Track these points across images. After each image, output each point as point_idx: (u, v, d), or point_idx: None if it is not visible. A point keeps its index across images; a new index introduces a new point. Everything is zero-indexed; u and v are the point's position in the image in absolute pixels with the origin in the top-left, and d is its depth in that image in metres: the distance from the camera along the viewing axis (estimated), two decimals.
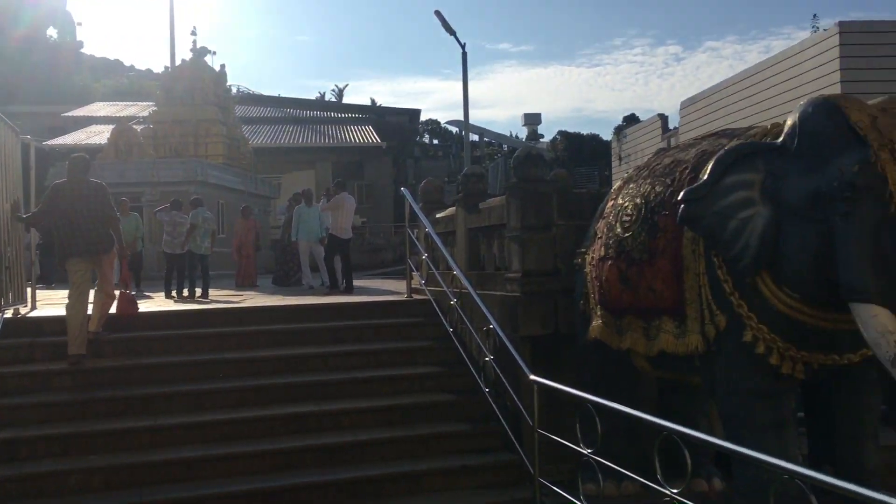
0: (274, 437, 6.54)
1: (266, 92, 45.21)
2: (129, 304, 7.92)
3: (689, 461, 3.93)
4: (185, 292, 11.70)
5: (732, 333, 4.51)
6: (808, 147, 4.11)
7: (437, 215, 9.17)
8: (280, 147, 32.99)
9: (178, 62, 26.67)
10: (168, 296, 11.59)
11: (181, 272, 11.86)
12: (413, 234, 9.35)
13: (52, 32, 54.49)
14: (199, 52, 25.77)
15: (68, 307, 6.92)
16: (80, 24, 56.39)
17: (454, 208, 8.63)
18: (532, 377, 5.64)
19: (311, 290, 12.41)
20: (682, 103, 22.08)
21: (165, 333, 7.67)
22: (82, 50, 57.98)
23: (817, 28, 23.36)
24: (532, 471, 5.71)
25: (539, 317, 6.70)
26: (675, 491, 4.04)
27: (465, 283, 7.15)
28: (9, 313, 7.42)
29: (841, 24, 15.46)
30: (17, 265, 7.70)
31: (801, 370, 4.41)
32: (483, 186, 8.24)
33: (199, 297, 11.44)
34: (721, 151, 4.53)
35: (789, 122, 4.31)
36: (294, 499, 5.94)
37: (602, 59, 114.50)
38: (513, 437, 6.32)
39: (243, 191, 23.92)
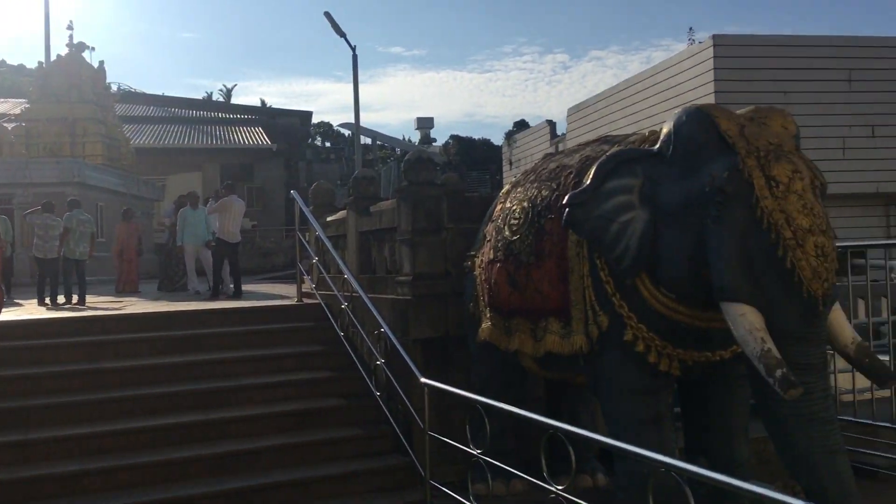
0: (157, 448, 6.30)
1: (150, 90, 43.60)
2: None
3: (573, 458, 4.04)
4: (61, 299, 11.11)
5: (614, 333, 4.67)
6: (682, 154, 4.31)
7: (328, 218, 9.08)
8: (164, 148, 31.87)
9: (53, 57, 25.32)
10: (41, 303, 10.98)
11: (54, 278, 11.24)
12: (304, 237, 9.23)
13: None
14: (77, 48, 24.57)
15: None
16: None
17: (345, 212, 8.57)
18: (423, 380, 5.66)
19: (197, 296, 12.04)
20: (569, 110, 22.74)
21: (38, 343, 7.26)
22: None
23: (693, 41, 24.53)
24: (423, 473, 5.73)
25: (430, 319, 6.73)
26: (560, 487, 4.15)
27: (355, 286, 7.11)
28: None
29: (715, 37, 16.31)
30: None
31: (678, 367, 4.61)
32: (374, 190, 8.22)
33: (75, 304, 10.90)
34: (603, 157, 4.69)
35: (665, 130, 4.50)
36: None
37: (493, 65, 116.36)
38: (404, 441, 6.33)
39: (125, 193, 22.94)
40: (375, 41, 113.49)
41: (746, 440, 4.91)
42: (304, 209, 8.72)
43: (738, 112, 4.37)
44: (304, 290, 9.23)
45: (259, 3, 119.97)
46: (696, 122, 4.28)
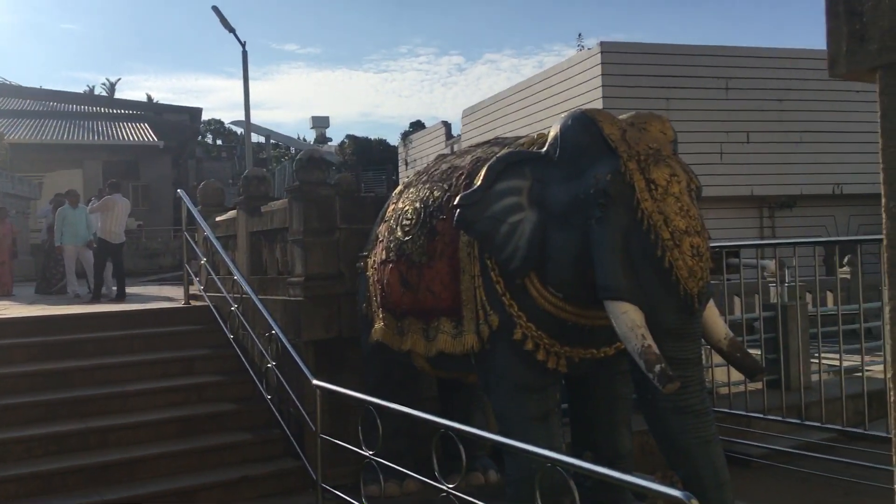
0: (32, 459, 5.99)
1: (26, 83, 41.25)
2: None
3: (464, 456, 4.09)
4: None
5: (504, 332, 4.75)
6: (568, 157, 4.43)
7: (218, 219, 8.85)
8: (42, 143, 30.17)
9: None
10: None
11: None
12: (192, 238, 8.95)
13: None
14: None
15: None
16: None
17: (235, 211, 8.37)
18: (314, 382, 5.61)
19: (77, 299, 11.48)
20: (464, 111, 23.01)
21: None
22: None
23: (582, 47, 25.25)
24: (315, 476, 5.67)
25: (322, 321, 6.66)
26: (451, 486, 4.19)
27: (245, 288, 6.96)
28: None
29: (603, 44, 16.88)
30: None
31: (564, 364, 4.73)
32: (265, 189, 8.06)
33: None
34: (493, 159, 4.76)
35: (552, 133, 4.62)
36: None
37: (389, 65, 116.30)
38: (295, 444, 6.25)
39: None
40: (268, 38, 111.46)
41: (629, 433, 5.10)
42: (192, 209, 8.46)
43: (620, 117, 4.53)
44: (192, 291, 8.95)
45: None
46: (581, 126, 4.41)
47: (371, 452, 5.02)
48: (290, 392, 6.19)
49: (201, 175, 36.29)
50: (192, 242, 8.81)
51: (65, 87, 57.90)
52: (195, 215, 8.37)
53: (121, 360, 7.27)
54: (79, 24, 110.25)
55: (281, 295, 7.07)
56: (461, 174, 5.25)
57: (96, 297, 11.18)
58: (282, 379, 6.33)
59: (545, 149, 4.64)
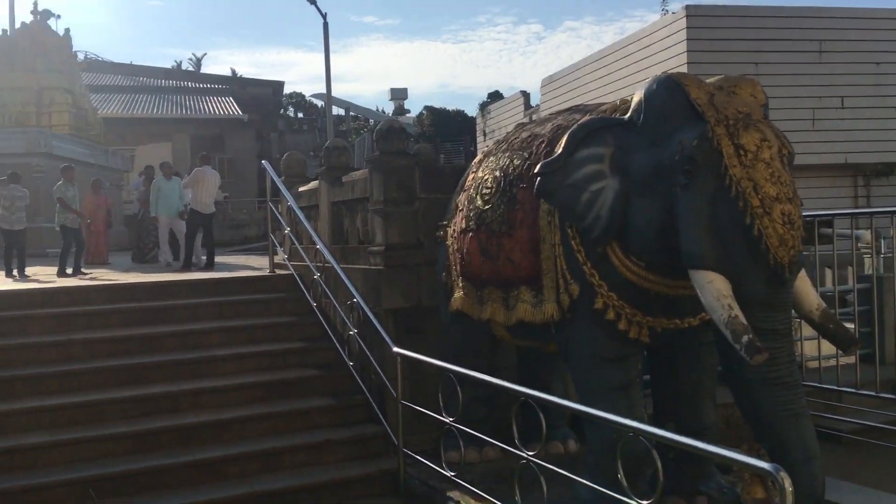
0: (127, 419, 6.28)
1: (117, 59, 42.71)
2: None
3: (543, 424, 4.09)
4: (30, 271, 10.93)
5: (585, 301, 4.70)
6: (652, 122, 4.31)
7: (301, 189, 9.01)
8: (133, 118, 31.32)
9: (17, 25, 24.68)
10: (9, 275, 10.80)
11: (21, 250, 11.05)
12: (276, 208, 9.14)
13: None
14: (42, 15, 23.93)
15: None
16: None
17: (317, 182, 8.50)
18: (395, 349, 5.69)
19: (169, 267, 11.93)
20: (543, 81, 22.68)
21: (6, 315, 7.16)
22: None
23: (666, 11, 24.43)
24: (396, 442, 5.77)
25: (402, 289, 6.73)
26: (531, 454, 4.20)
27: (328, 257, 7.08)
28: None
29: (688, 7, 16.29)
30: None
31: (647, 334, 4.65)
32: (346, 159, 8.15)
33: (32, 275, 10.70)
34: (574, 126, 4.68)
35: (636, 99, 4.50)
36: (150, 482, 5.74)
37: (467, 35, 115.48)
38: (377, 410, 6.36)
39: (93, 164, 22.52)
40: (348, 10, 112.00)
41: (713, 406, 4.99)
42: (276, 180, 8.64)
43: (707, 81, 4.37)
44: (276, 261, 9.18)
45: None
46: (667, 90, 4.28)
47: (451, 419, 5.08)
48: (372, 359, 6.30)
49: (284, 147, 37.00)
50: (276, 213, 9.01)
51: (153, 63, 59.56)
52: (279, 186, 8.55)
53: (210, 325, 7.53)
54: (166, 1, 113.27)
55: (362, 264, 7.17)
56: (542, 142, 5.18)
57: (187, 266, 11.59)
58: (363, 346, 6.44)
59: (628, 115, 4.53)
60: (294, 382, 6.97)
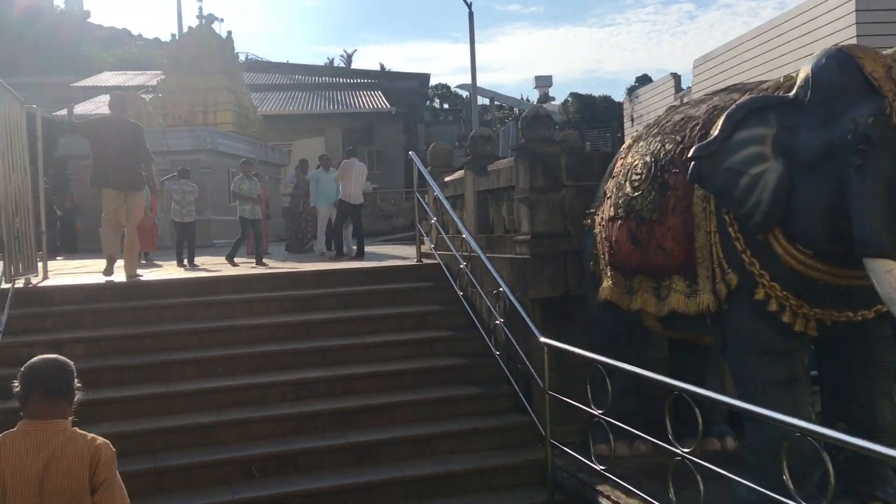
0: (285, 402, 6.57)
1: (274, 59, 44.95)
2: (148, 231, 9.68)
3: (700, 420, 3.90)
4: (199, 261, 11.69)
5: (744, 291, 4.45)
6: (821, 99, 4.00)
7: (446, 179, 9.09)
8: (289, 114, 32.85)
9: (184, 30, 26.47)
10: (179, 264, 11.60)
11: (191, 240, 11.85)
12: (423, 198, 9.28)
13: (58, 2, 54.27)
14: (207, 20, 25.54)
15: (102, 232, 8.06)
16: None
17: (463, 171, 8.55)
18: (542, 339, 5.63)
19: (323, 257, 12.41)
20: (695, 62, 21.76)
21: (176, 301, 7.68)
22: (89, 20, 57.69)
23: None
24: (543, 432, 5.72)
25: (548, 279, 6.65)
26: (686, 450, 4.03)
27: (474, 246, 7.10)
28: (19, 283, 7.44)
29: None
30: (26, 235, 7.70)
31: (814, 327, 4.34)
32: (491, 148, 8.13)
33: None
34: (732, 106, 4.43)
35: (802, 75, 4.20)
36: (307, 462, 5.98)
37: (614, 18, 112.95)
38: (524, 400, 6.33)
39: (253, 158, 23.80)
40: (492, 0, 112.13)
41: (890, 405, 4.59)
42: (423, 170, 8.76)
43: (884, 52, 4.01)
44: (423, 250, 9.32)
45: None
46: (838, 64, 3.96)
47: (600, 412, 4.96)
48: (518, 349, 6.26)
49: (430, 138, 37.62)
50: (422, 203, 9.14)
51: (308, 61, 62.25)
52: (425, 176, 8.67)
53: (361, 313, 7.75)
54: (318, 1, 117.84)
55: (508, 253, 7.15)
56: (696, 124, 4.94)
57: (339, 255, 12.01)
58: (509, 335, 6.42)
59: (793, 92, 4.23)
60: (441, 370, 7.06)
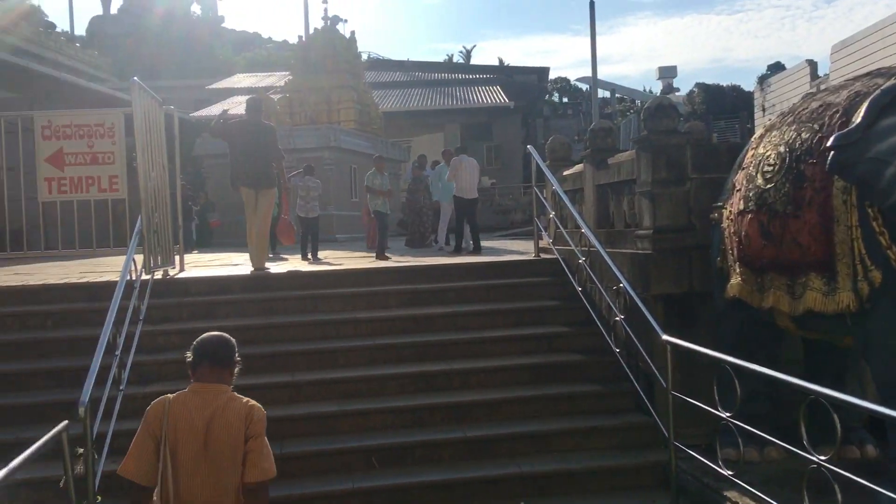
0: (405, 394, 6.66)
1: (395, 57, 45.76)
2: (287, 229, 10.51)
3: (838, 426, 3.65)
4: (322, 255, 12.04)
5: (889, 290, 4.13)
6: None
7: (565, 173, 8.96)
8: (409, 111, 33.33)
9: (311, 31, 27.33)
10: (304, 258, 11.98)
11: (315, 235, 12.21)
12: (541, 193, 9.19)
13: (195, 9, 57.19)
14: (331, 21, 26.30)
15: (248, 229, 8.55)
16: None
17: (582, 165, 8.40)
18: (665, 337, 5.44)
19: (440, 252, 12.51)
20: (834, 47, 20.50)
21: (301, 294, 7.93)
22: (223, 24, 60.49)
23: None
24: (666, 434, 5.53)
25: (672, 275, 6.42)
26: (823, 458, 3.78)
27: (593, 241, 6.96)
28: (158, 275, 7.88)
29: None
30: (165, 229, 8.16)
31: None
32: (612, 141, 7.94)
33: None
34: (876, 92, 4.12)
35: None
36: (426, 455, 6.05)
37: (744, 4, 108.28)
38: (645, 399, 6.14)
39: (374, 155, 24.31)
40: None
41: None
42: (541, 164, 8.66)
43: None
44: (541, 245, 9.23)
45: None
46: None
47: (727, 414, 4.74)
48: (640, 346, 6.09)
49: (548, 133, 37.29)
50: (541, 197, 9.04)
51: (427, 58, 63.00)
52: (544, 170, 8.56)
53: (479, 307, 7.75)
54: None
55: (628, 248, 6.96)
56: (836, 112, 4.63)
57: (457, 250, 12.08)
58: (630, 333, 6.25)
59: None
60: (560, 367, 6.96)
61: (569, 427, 6.29)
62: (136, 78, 7.62)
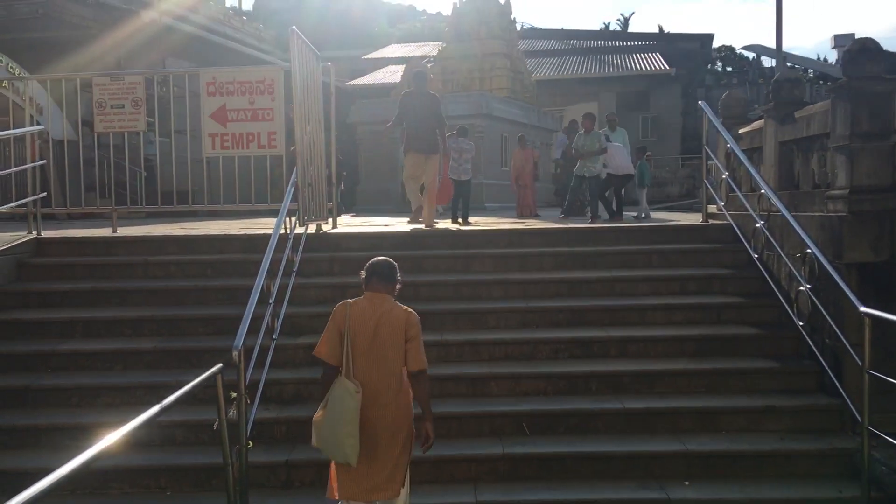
0: (557, 360, 6.31)
1: (547, 27, 44.75)
2: (444, 189, 10.62)
3: None
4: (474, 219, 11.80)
5: None
6: None
7: (741, 131, 8.18)
8: (562, 79, 32.53)
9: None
10: (454, 221, 11.77)
11: (467, 197, 11.95)
12: (712, 154, 8.44)
13: None
14: None
15: (406, 186, 9.24)
16: None
17: (761, 122, 7.62)
18: (862, 309, 4.76)
19: (596, 219, 11.95)
20: None
21: (450, 252, 7.71)
22: None
23: None
24: (859, 418, 4.86)
25: (870, 240, 5.66)
26: None
27: (775, 202, 6.25)
28: (311, 229, 7.88)
29: None
30: (319, 184, 8.14)
31: None
32: (800, 93, 7.11)
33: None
34: None
35: None
36: (580, 424, 5.69)
37: None
38: (833, 378, 5.45)
39: (525, 123, 23.84)
40: None
41: None
42: (714, 119, 7.90)
43: None
44: (709, 211, 8.50)
45: None
46: None
47: None
48: (829, 319, 5.40)
49: (710, 103, 35.28)
50: (713, 157, 8.31)
51: (582, 27, 61.34)
52: (717, 126, 7.79)
53: (639, 273, 7.24)
54: None
55: (816, 211, 6.21)
56: None
57: (613, 217, 11.49)
58: (818, 304, 5.55)
59: None
60: (730, 339, 6.36)
61: (740, 405, 5.72)
62: (294, 27, 7.58)
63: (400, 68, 30.08)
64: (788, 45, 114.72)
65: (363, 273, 4.22)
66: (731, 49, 52.86)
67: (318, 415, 4.01)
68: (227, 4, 34.08)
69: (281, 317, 6.17)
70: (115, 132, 9.44)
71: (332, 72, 8.88)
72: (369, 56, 38.76)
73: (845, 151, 5.73)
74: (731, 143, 7.49)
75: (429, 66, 25.62)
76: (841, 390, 5.30)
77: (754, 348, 6.28)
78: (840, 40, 47.86)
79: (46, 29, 18.77)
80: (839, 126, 5.81)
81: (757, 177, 6.77)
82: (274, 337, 5.85)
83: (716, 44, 47.18)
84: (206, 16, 23.79)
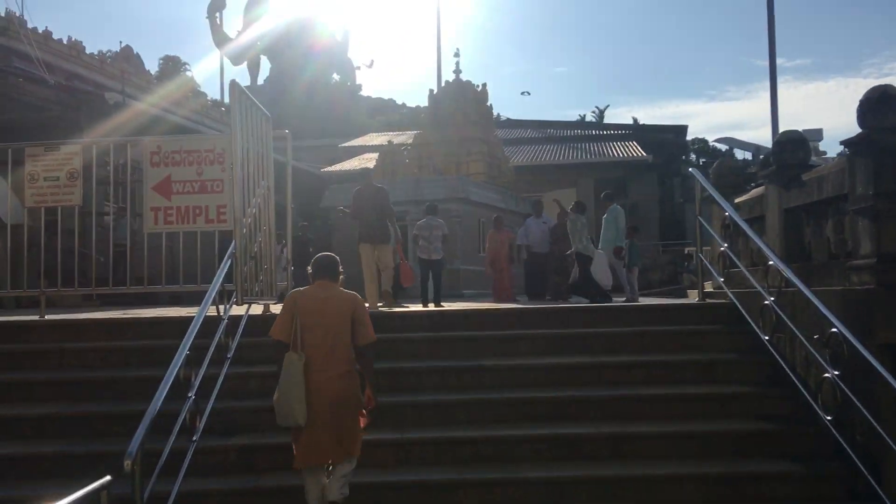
0: (540, 461, 5.30)
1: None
2: (404, 275, 10.40)
3: None
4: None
5: None
6: None
7: (737, 199, 7.41)
8: (541, 165, 32.24)
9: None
10: (424, 305, 10.80)
11: (437, 278, 11.02)
12: (706, 225, 7.64)
13: (335, 77, 58.91)
14: (462, 73, 25.75)
15: (365, 280, 9.19)
16: (358, 68, 59.91)
17: (760, 189, 6.86)
18: None
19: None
20: None
21: (421, 336, 6.78)
22: (361, 92, 62.00)
23: None
24: None
25: None
26: None
27: (789, 275, 5.37)
28: (258, 310, 6.92)
29: None
30: (267, 260, 7.20)
31: None
32: (804, 155, 6.35)
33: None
34: None
35: None
36: None
37: (893, 67, 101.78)
38: (873, 482, 4.47)
39: (504, 208, 23.24)
40: (752, 54, 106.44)
41: None
42: (708, 187, 7.11)
43: None
44: (706, 290, 7.63)
45: (627, 31, 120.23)
46: None
47: None
48: (864, 411, 4.46)
49: (686, 192, 35.21)
50: (707, 227, 7.50)
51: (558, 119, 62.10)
52: (713, 195, 6.96)
53: (631, 358, 6.32)
54: (569, 67, 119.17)
55: (836, 284, 5.37)
56: None
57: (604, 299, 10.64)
58: (849, 394, 4.62)
59: None
60: (739, 436, 5.42)
61: None
62: (235, 79, 6.79)
63: (376, 156, 29.66)
64: (758, 140, 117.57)
65: (310, 269, 4.84)
66: (703, 141, 53.48)
67: (276, 394, 4.52)
68: (209, 97, 34.02)
69: (206, 413, 5.13)
70: (49, 206, 8.50)
71: (289, 140, 8.09)
72: (346, 144, 38.51)
73: (869, 214, 4.93)
74: (729, 212, 6.69)
75: (405, 151, 25.18)
76: (881, 495, 4.32)
77: (769, 447, 5.34)
78: (809, 135, 48.62)
79: (4, 111, 18.05)
80: (859, 186, 5.02)
81: (765, 248, 5.92)
82: (193, 438, 4.80)
83: (689, 136, 47.67)
84: (191, 109, 23.37)
